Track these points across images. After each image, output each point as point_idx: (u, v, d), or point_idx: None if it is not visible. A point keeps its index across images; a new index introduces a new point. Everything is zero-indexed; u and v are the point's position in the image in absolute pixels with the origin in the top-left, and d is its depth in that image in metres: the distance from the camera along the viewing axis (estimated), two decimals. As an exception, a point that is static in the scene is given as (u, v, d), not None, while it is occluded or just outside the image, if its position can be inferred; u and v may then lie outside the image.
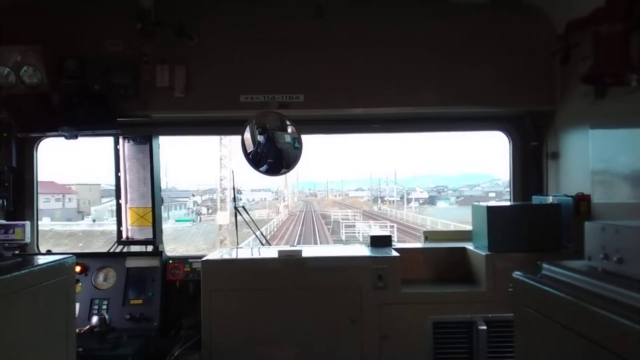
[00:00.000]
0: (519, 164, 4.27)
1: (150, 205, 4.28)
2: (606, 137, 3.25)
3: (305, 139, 4.04)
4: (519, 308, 2.16)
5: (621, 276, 1.71)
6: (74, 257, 2.90)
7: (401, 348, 3.44)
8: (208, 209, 48.97)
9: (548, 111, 3.98)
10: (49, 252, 4.16)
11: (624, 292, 1.60)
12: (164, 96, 3.85)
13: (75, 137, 3.86)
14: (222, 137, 24.00)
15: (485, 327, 3.37)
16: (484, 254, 3.52)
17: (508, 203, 4.11)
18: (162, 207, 4.56)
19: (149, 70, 3.82)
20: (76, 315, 3.21)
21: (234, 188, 4.72)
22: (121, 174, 4.30)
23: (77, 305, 3.57)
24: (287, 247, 4.01)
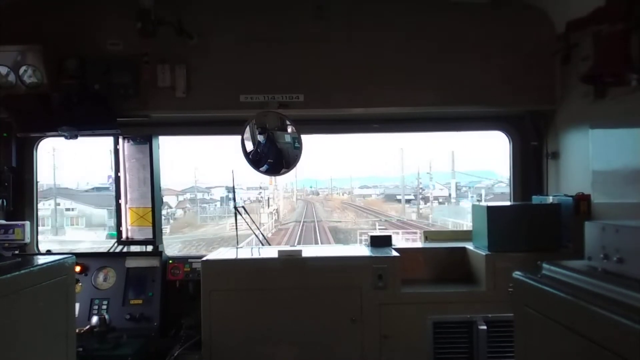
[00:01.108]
0: (519, 164, 4.27)
1: (150, 205, 4.28)
2: (606, 137, 3.25)
3: (305, 135, 4.04)
4: (519, 308, 2.16)
5: (621, 276, 1.71)
6: (74, 257, 2.90)
7: (401, 348, 3.44)
8: (186, 213, 39.02)
9: (548, 111, 3.98)
10: (48, 252, 4.16)
11: (624, 292, 1.60)
12: (164, 96, 3.85)
13: (75, 137, 3.86)
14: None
15: (485, 327, 3.37)
16: (484, 253, 3.52)
17: (508, 203, 4.11)
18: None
19: (149, 70, 3.82)
20: (76, 315, 3.21)
21: (233, 188, 4.71)
22: (121, 174, 4.30)
23: (77, 305, 3.56)
24: (287, 247, 4.01)
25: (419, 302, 3.49)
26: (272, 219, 34.09)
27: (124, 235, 4.33)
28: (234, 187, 4.69)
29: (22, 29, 3.75)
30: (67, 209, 28.91)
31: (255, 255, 4.02)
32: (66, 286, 2.80)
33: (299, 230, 29.66)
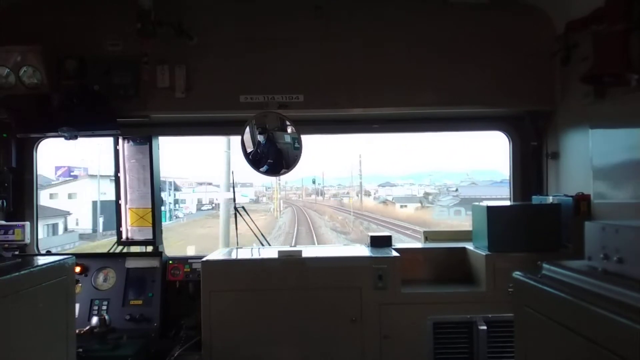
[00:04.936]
0: (519, 164, 4.27)
1: (150, 206, 4.28)
2: (606, 137, 3.25)
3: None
4: (519, 308, 2.16)
5: (621, 276, 1.71)
6: (74, 257, 2.90)
7: (401, 348, 3.44)
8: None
9: (548, 111, 3.98)
10: (48, 253, 4.16)
11: (624, 292, 1.60)
12: (164, 96, 3.85)
13: (75, 137, 3.86)
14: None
15: (485, 327, 3.37)
16: (484, 254, 3.52)
17: (508, 203, 4.11)
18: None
19: (148, 71, 3.82)
20: (76, 316, 3.21)
21: (233, 188, 4.72)
22: (121, 174, 4.30)
23: (77, 306, 3.56)
24: (287, 248, 4.01)
25: (419, 302, 3.49)
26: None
27: (124, 236, 4.33)
28: (233, 187, 4.69)
29: (22, 29, 3.76)
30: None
31: (255, 256, 4.02)
32: (66, 287, 2.81)
33: None
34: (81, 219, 27.04)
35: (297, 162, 4.07)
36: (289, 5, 3.88)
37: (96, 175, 25.68)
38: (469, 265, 3.81)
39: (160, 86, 3.84)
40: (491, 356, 3.38)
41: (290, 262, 3.58)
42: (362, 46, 3.89)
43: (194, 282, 3.97)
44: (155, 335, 3.80)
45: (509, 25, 3.88)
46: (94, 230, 25.77)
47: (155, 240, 4.27)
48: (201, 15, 3.85)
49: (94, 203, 25.88)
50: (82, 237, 24.34)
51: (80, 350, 3.24)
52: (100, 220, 25.48)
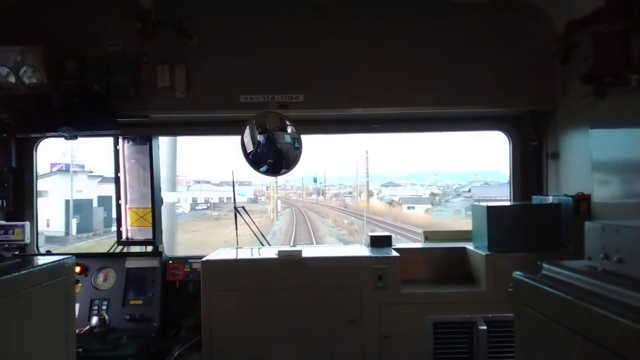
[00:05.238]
0: (519, 164, 4.28)
1: (149, 206, 4.28)
2: (606, 137, 3.25)
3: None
4: (519, 308, 2.16)
5: (621, 276, 1.71)
6: (74, 257, 2.90)
7: (401, 348, 3.44)
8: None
9: (548, 111, 3.98)
10: (48, 253, 4.16)
11: (624, 292, 1.60)
12: (164, 96, 3.85)
13: (75, 137, 3.86)
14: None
15: (485, 327, 3.37)
16: (484, 254, 3.52)
17: (508, 203, 4.11)
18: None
19: (148, 71, 3.82)
20: (76, 316, 3.21)
21: (233, 187, 4.71)
22: (121, 174, 4.31)
23: (77, 306, 3.56)
24: (287, 247, 4.01)
25: (419, 302, 3.49)
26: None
27: (124, 236, 4.33)
28: (233, 187, 4.70)
29: (22, 29, 3.76)
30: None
31: (255, 256, 4.02)
32: (66, 287, 2.81)
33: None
34: (53, 219, 24.37)
35: (297, 162, 4.07)
36: (289, 5, 3.88)
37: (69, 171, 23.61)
38: (469, 265, 3.82)
39: (160, 86, 3.84)
40: (491, 356, 3.38)
41: (290, 262, 3.58)
42: (362, 46, 3.89)
43: (194, 282, 3.97)
44: (155, 335, 3.79)
45: (509, 25, 3.88)
46: (67, 232, 23.76)
47: (155, 240, 4.27)
48: (201, 15, 3.85)
49: (67, 202, 23.78)
50: (52, 240, 21.74)
51: (80, 350, 3.24)
52: (74, 221, 23.67)
